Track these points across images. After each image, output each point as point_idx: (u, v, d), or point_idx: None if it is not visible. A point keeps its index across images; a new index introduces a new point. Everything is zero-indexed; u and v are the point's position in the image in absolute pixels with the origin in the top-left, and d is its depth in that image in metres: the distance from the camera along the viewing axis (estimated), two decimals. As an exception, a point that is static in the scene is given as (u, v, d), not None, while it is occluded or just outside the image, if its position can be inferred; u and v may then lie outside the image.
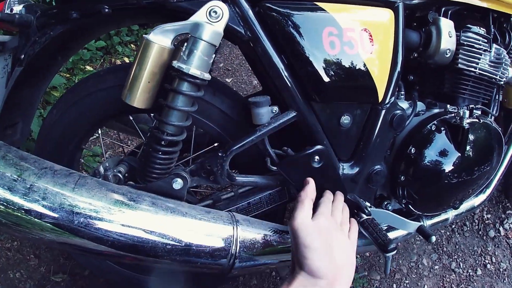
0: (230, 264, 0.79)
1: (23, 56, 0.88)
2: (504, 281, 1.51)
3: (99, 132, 1.17)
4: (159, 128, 0.84)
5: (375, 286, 1.45)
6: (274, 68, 0.82)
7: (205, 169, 0.85)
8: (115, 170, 0.92)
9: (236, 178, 0.86)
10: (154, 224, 0.74)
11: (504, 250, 1.62)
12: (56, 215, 0.69)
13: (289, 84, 0.83)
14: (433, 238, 0.99)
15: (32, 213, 0.68)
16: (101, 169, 0.93)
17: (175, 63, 0.76)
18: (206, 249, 0.77)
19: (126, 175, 0.96)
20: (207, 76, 0.79)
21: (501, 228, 1.69)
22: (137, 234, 0.73)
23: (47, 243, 0.84)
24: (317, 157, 0.83)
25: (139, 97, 0.80)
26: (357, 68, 0.85)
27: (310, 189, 0.81)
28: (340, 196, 0.88)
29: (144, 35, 0.78)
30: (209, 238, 0.77)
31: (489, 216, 1.74)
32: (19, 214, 0.69)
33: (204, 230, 0.77)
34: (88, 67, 2.47)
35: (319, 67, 0.83)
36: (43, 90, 1.09)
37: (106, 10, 0.80)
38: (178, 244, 0.75)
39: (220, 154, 0.83)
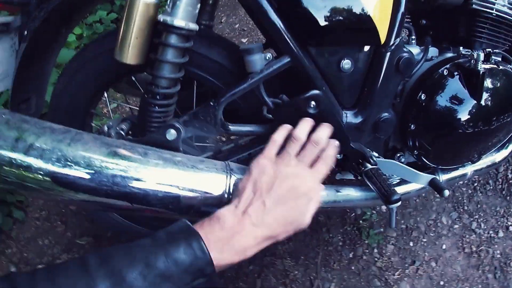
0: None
1: (26, 32, 0.90)
2: (527, 245, 1.44)
3: (105, 95, 1.18)
4: (153, 82, 0.85)
5: (391, 243, 1.41)
6: (262, 11, 0.78)
7: (198, 119, 0.83)
8: (117, 128, 0.94)
9: (230, 127, 0.83)
10: (146, 173, 0.74)
11: (528, 212, 1.54)
12: (53, 170, 0.71)
13: (280, 28, 0.79)
14: (446, 192, 0.94)
15: (32, 169, 0.70)
16: (105, 128, 0.94)
17: (160, 17, 0.78)
18: (198, 197, 0.76)
19: (130, 132, 0.98)
20: (193, 27, 0.81)
21: (526, 188, 1.60)
22: (130, 183, 0.73)
23: (47, 198, 0.87)
24: (313, 103, 0.79)
25: (129, 54, 0.83)
26: (352, 7, 0.80)
27: (280, 132, 0.77)
28: (321, 132, 0.77)
29: (128, -8, 0.78)
30: (201, 186, 0.76)
31: (513, 175, 1.65)
32: (21, 171, 0.71)
33: (196, 179, 0.76)
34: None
35: (310, 7, 0.78)
36: (52, 64, 1.11)
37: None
38: (169, 192, 0.75)
39: (212, 103, 0.80)
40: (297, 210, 0.67)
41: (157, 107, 0.86)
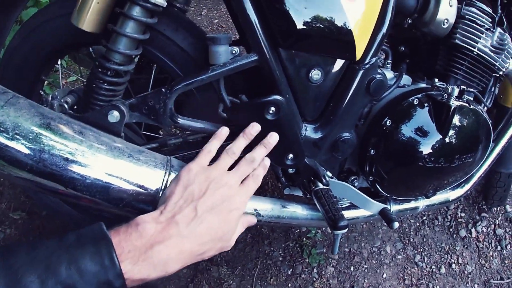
0: (157, 213, 0.71)
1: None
2: (467, 285, 1.44)
3: (59, 63, 1.09)
4: (105, 56, 0.78)
5: (331, 265, 1.38)
6: (238, 2, 0.72)
7: (147, 104, 0.75)
8: (62, 100, 0.86)
9: (180, 120, 0.76)
10: (76, 154, 0.67)
11: (472, 253, 1.55)
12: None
13: (253, 21, 0.73)
14: (396, 224, 0.91)
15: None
16: (49, 98, 0.86)
17: None
18: (130, 191, 0.69)
19: (75, 107, 0.90)
20: (160, 1, 0.74)
21: (473, 230, 1.62)
22: (57, 162, 0.66)
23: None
24: (272, 108, 0.73)
25: (87, 19, 0.76)
26: (334, 16, 0.75)
27: (212, 142, 0.72)
28: (257, 153, 0.73)
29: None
30: (135, 179, 0.69)
31: (463, 214, 1.66)
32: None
33: (131, 170, 0.69)
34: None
35: (289, 7, 0.72)
36: (13, 18, 1.01)
37: None
38: (99, 179, 0.68)
39: (163, 90, 0.73)
40: (229, 224, 0.62)
41: (105, 84, 0.79)
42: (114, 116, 0.74)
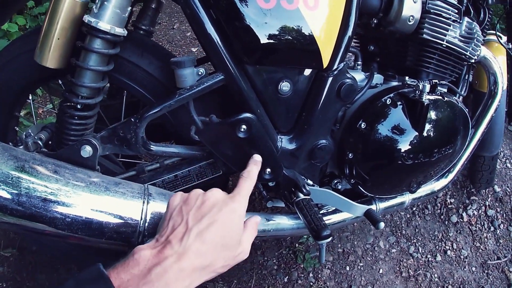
0: (139, 243, 0.70)
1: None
2: (464, 269, 1.45)
3: (30, 97, 1.09)
4: (72, 91, 0.78)
5: (327, 267, 1.38)
6: (198, 20, 0.71)
7: (118, 136, 0.74)
8: (36, 137, 0.86)
9: (153, 147, 0.75)
10: (53, 193, 0.66)
11: (466, 237, 1.57)
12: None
13: (215, 41, 0.72)
14: (382, 225, 0.91)
15: None
16: (23, 136, 0.86)
17: (85, 17, 0.71)
18: (110, 225, 0.68)
19: (50, 142, 0.91)
20: (120, 31, 0.74)
21: (464, 214, 1.63)
22: (36, 203, 0.65)
23: None
24: (244, 126, 0.73)
25: (50, 56, 0.76)
26: (296, 26, 0.74)
27: None
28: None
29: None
30: (114, 212, 0.69)
31: (452, 200, 1.67)
32: None
33: (109, 203, 0.69)
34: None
35: (250, 23, 0.71)
36: None
37: None
38: (79, 216, 0.67)
39: (133, 119, 0.72)
40: (225, 228, 0.59)
41: (75, 119, 0.79)
42: (86, 151, 0.74)
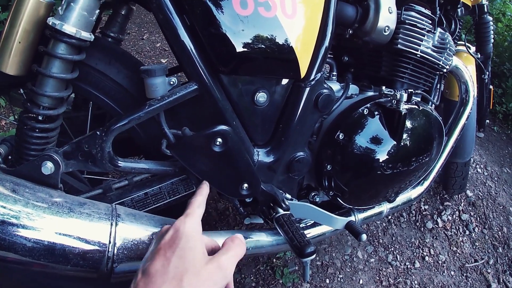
0: (109, 269, 0.65)
1: None
2: (444, 274, 1.46)
3: None
4: (32, 100, 0.71)
5: (306, 281, 1.35)
6: (171, 26, 0.67)
7: (82, 150, 0.68)
8: None
9: (120, 163, 0.70)
10: (11, 215, 0.59)
11: (442, 242, 1.58)
12: None
13: (189, 48, 0.68)
14: (364, 237, 0.89)
15: None
16: None
17: (49, 19, 0.66)
18: (76, 250, 0.62)
19: (9, 157, 0.83)
20: (86, 36, 0.68)
21: (439, 220, 1.64)
22: None
23: None
24: (219, 140, 0.68)
25: (10, 62, 0.70)
26: (274, 35, 0.71)
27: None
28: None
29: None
30: (80, 235, 0.62)
31: (426, 207, 1.69)
32: None
33: (73, 226, 0.62)
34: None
35: (226, 30, 0.68)
36: None
37: None
38: (40, 241, 0.61)
39: (98, 133, 0.67)
40: (182, 250, 0.54)
41: (36, 131, 0.72)
42: (48, 167, 0.67)
